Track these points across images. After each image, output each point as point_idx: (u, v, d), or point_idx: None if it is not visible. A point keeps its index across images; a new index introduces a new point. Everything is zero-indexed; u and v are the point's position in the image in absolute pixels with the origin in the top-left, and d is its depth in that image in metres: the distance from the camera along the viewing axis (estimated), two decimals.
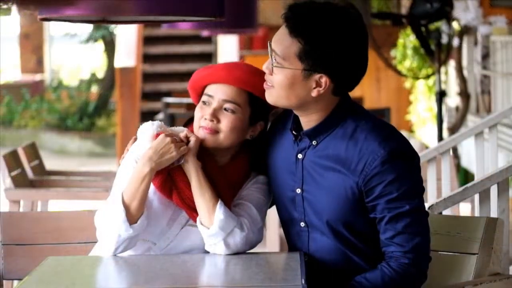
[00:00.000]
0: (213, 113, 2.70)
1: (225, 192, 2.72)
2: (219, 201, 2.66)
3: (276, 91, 2.62)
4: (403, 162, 2.58)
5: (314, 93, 2.59)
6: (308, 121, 2.67)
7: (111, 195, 2.71)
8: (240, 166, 2.77)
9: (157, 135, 2.71)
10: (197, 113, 2.73)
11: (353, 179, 2.59)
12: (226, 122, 2.71)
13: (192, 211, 2.70)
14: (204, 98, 2.73)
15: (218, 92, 2.71)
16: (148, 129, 2.74)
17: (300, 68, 2.57)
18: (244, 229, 2.66)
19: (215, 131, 2.70)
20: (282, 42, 2.59)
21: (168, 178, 2.70)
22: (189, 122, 2.82)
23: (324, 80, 2.58)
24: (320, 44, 2.55)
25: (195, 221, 2.70)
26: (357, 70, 2.61)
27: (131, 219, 2.64)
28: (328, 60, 2.56)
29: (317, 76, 2.57)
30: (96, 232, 2.71)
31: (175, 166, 2.70)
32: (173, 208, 2.73)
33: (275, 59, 2.60)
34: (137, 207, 2.65)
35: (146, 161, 2.65)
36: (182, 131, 2.75)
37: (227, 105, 2.71)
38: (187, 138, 2.71)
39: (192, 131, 2.75)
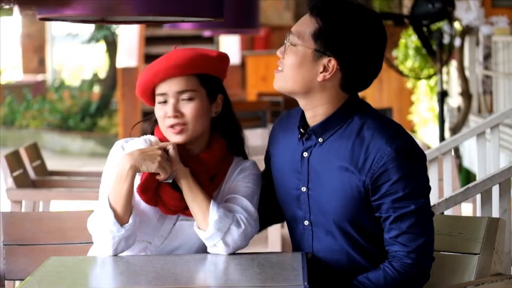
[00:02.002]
0: (174, 109, 2.71)
1: (206, 182, 2.71)
2: (212, 202, 2.66)
3: (284, 74, 2.64)
4: (410, 161, 2.58)
5: (320, 78, 2.60)
6: (314, 116, 2.67)
7: (99, 201, 2.72)
8: (217, 150, 2.76)
9: None
10: (158, 114, 2.73)
11: (359, 177, 2.59)
12: (189, 112, 2.72)
13: (181, 212, 2.71)
14: (159, 98, 2.72)
15: (170, 88, 2.71)
16: (142, 143, 2.74)
17: (312, 47, 2.59)
18: (241, 225, 2.66)
19: (183, 125, 2.71)
20: (302, 23, 2.64)
21: (154, 193, 2.70)
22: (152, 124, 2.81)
23: (332, 64, 2.59)
24: (335, 26, 2.58)
25: (187, 215, 2.70)
26: (367, 65, 2.62)
27: (121, 219, 2.65)
28: (340, 44, 2.57)
29: (326, 59, 2.59)
30: (92, 238, 2.72)
31: (162, 183, 2.70)
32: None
33: (290, 39, 2.62)
34: (124, 207, 2.66)
35: (128, 158, 2.65)
36: (148, 140, 2.75)
37: (183, 96, 2.72)
38: (165, 149, 2.71)
39: (159, 133, 2.76)
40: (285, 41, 2.65)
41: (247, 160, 2.83)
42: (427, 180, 2.63)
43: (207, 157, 2.75)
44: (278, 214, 2.84)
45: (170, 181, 2.69)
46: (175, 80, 2.71)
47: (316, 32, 2.59)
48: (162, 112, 2.72)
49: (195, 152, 2.76)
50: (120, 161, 2.67)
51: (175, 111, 2.71)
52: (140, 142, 2.74)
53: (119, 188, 2.66)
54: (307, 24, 2.62)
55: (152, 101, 2.77)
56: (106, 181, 2.74)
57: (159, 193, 2.69)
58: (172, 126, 2.72)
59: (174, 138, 2.73)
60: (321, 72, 2.60)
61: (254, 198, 2.75)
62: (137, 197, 2.70)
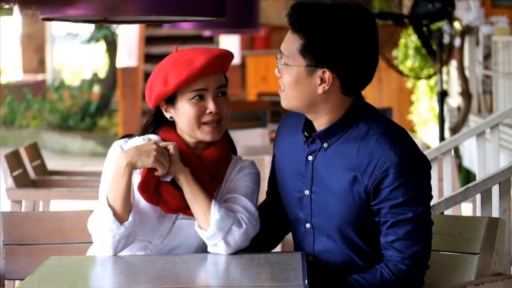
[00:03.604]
0: (217, 105, 2.69)
1: (208, 181, 2.71)
2: (213, 202, 2.65)
3: (286, 93, 2.63)
4: (412, 167, 2.56)
5: (320, 90, 2.59)
6: (320, 124, 2.66)
7: (98, 201, 2.72)
8: (219, 149, 2.75)
9: None
10: (192, 110, 2.69)
11: (362, 182, 2.58)
12: (226, 107, 2.72)
13: (182, 211, 2.70)
14: (194, 94, 2.68)
15: (210, 83, 2.69)
16: (140, 141, 2.73)
17: (303, 64, 2.58)
18: (242, 225, 2.65)
19: (219, 121, 2.71)
20: (287, 41, 2.62)
21: (156, 192, 2.69)
22: (145, 131, 2.77)
23: (327, 75, 2.57)
24: (319, 38, 2.55)
25: (188, 214, 2.70)
26: (362, 66, 2.59)
27: (120, 218, 2.65)
28: (328, 53, 2.55)
29: (320, 71, 2.57)
30: (92, 238, 2.72)
31: (164, 181, 2.69)
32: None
33: (282, 60, 2.61)
34: (123, 205, 2.65)
35: (124, 155, 2.65)
36: (147, 139, 2.73)
37: (221, 90, 2.72)
38: (166, 148, 2.69)
39: (164, 133, 2.74)
40: (277, 63, 2.64)
41: (245, 160, 2.82)
42: (429, 188, 2.62)
43: (209, 156, 2.74)
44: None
45: (168, 180, 2.69)
46: (214, 76, 2.70)
47: (302, 48, 2.57)
48: (198, 108, 2.69)
49: (197, 152, 2.76)
50: (117, 160, 2.67)
51: (217, 106, 2.69)
52: (139, 141, 2.74)
53: (116, 186, 2.66)
54: (292, 41, 2.60)
55: (160, 101, 2.73)
56: (105, 181, 2.74)
57: (160, 192, 2.69)
58: (209, 122, 2.70)
59: (209, 136, 2.70)
60: (319, 85, 2.59)
61: (254, 197, 2.75)
62: (136, 195, 2.70)
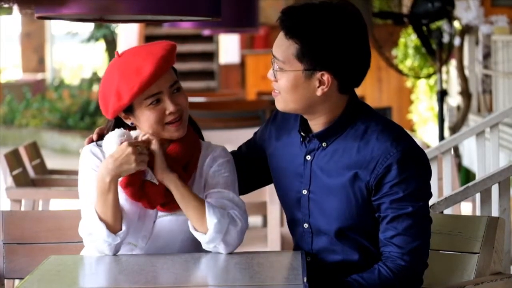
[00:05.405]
0: (174, 102, 2.67)
1: (181, 173, 2.68)
2: (207, 204, 2.64)
3: (283, 96, 2.62)
4: (414, 163, 2.58)
5: (319, 92, 2.59)
6: (317, 124, 2.66)
7: (83, 208, 2.69)
8: (183, 141, 2.72)
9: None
10: (152, 115, 2.66)
11: (364, 179, 2.59)
12: (183, 101, 2.71)
13: (164, 208, 2.69)
14: (150, 100, 2.66)
15: (162, 85, 2.67)
16: (111, 140, 2.67)
17: (300, 69, 2.58)
18: (237, 222, 2.65)
19: (181, 117, 2.69)
20: (280, 46, 2.60)
21: (140, 189, 2.67)
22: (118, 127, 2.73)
23: (326, 77, 2.57)
24: (315, 42, 2.55)
25: (168, 211, 2.69)
26: (358, 64, 2.60)
27: (113, 228, 2.64)
28: (326, 56, 2.55)
29: (318, 74, 2.57)
30: (84, 242, 2.71)
31: (146, 180, 2.68)
32: (140, 204, 2.70)
33: (276, 65, 2.60)
34: (114, 215, 2.63)
35: (105, 172, 2.61)
36: (124, 134, 2.69)
37: (175, 87, 2.70)
38: (149, 142, 2.67)
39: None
40: (272, 69, 2.63)
41: (216, 146, 2.80)
42: (428, 185, 2.63)
43: (175, 150, 2.71)
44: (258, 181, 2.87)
45: (152, 180, 2.68)
46: (164, 77, 2.68)
47: (298, 53, 2.57)
48: (157, 112, 2.67)
49: (164, 146, 2.72)
50: (98, 177, 2.63)
51: (176, 104, 2.68)
52: (113, 137, 2.67)
53: (104, 200, 2.63)
54: (286, 47, 2.59)
55: (120, 111, 2.70)
56: (84, 188, 2.71)
57: (144, 187, 2.67)
58: (173, 122, 2.69)
59: (176, 134, 2.69)
60: (318, 87, 2.59)
61: (235, 185, 2.74)
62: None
